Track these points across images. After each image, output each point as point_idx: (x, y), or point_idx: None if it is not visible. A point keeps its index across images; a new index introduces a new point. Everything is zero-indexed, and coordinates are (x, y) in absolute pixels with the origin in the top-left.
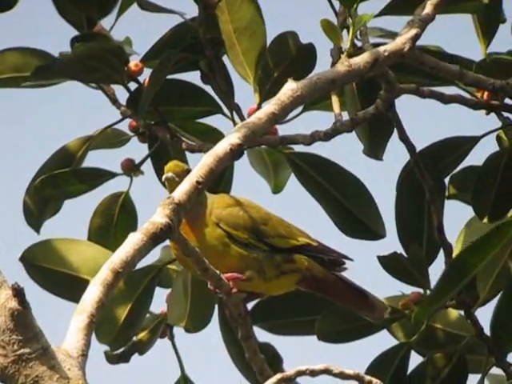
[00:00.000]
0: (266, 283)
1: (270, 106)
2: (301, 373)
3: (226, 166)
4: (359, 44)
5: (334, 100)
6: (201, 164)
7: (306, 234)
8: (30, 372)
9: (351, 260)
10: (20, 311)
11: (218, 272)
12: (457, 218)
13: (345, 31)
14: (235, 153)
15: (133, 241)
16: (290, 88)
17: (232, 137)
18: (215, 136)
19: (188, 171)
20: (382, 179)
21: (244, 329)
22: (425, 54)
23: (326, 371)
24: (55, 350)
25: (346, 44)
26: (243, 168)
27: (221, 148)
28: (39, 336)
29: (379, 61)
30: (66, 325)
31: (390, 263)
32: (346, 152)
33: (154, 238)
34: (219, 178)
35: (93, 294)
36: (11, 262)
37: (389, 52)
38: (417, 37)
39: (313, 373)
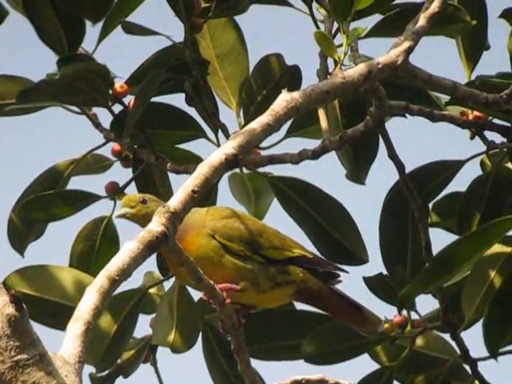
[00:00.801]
0: (260, 295)
1: (265, 117)
2: (296, 382)
3: (221, 175)
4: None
5: (322, 117)
6: (196, 173)
7: (301, 246)
8: (27, 378)
9: (346, 272)
10: (17, 317)
11: (212, 282)
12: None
13: None
14: (230, 163)
15: (129, 248)
16: (284, 99)
17: (227, 146)
18: (197, 163)
19: (143, 200)
20: (365, 201)
21: (236, 341)
22: (418, 68)
23: (322, 381)
24: (52, 357)
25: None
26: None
27: (216, 158)
28: (36, 342)
29: (373, 73)
30: (62, 332)
31: (375, 284)
32: (330, 174)
33: (150, 246)
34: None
35: (89, 301)
36: None
37: (382, 64)
38: (410, 49)
39: (308, 382)
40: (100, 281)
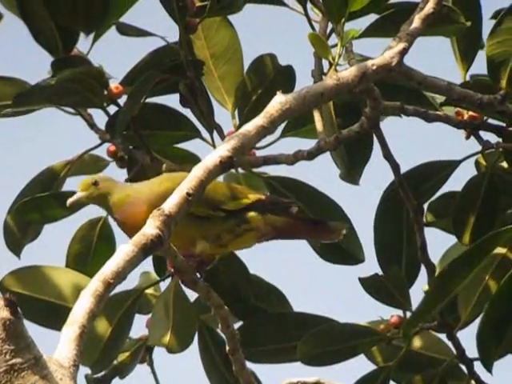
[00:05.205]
0: (224, 248)
1: (259, 119)
2: None
3: (216, 178)
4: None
5: (317, 118)
6: (191, 176)
7: (253, 191)
8: (21, 382)
9: (298, 205)
10: (12, 321)
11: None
12: (435, 244)
13: None
14: (225, 165)
15: (123, 252)
16: (278, 101)
17: (221, 149)
18: (194, 161)
19: (95, 182)
20: (360, 201)
21: (232, 343)
22: (412, 69)
23: None
24: (47, 360)
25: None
26: None
27: (210, 160)
28: (31, 346)
29: (367, 74)
30: (57, 335)
31: (370, 285)
32: (325, 174)
33: (145, 249)
34: None
35: (84, 305)
36: None
37: (377, 66)
38: (405, 51)
39: None
40: (95, 284)
